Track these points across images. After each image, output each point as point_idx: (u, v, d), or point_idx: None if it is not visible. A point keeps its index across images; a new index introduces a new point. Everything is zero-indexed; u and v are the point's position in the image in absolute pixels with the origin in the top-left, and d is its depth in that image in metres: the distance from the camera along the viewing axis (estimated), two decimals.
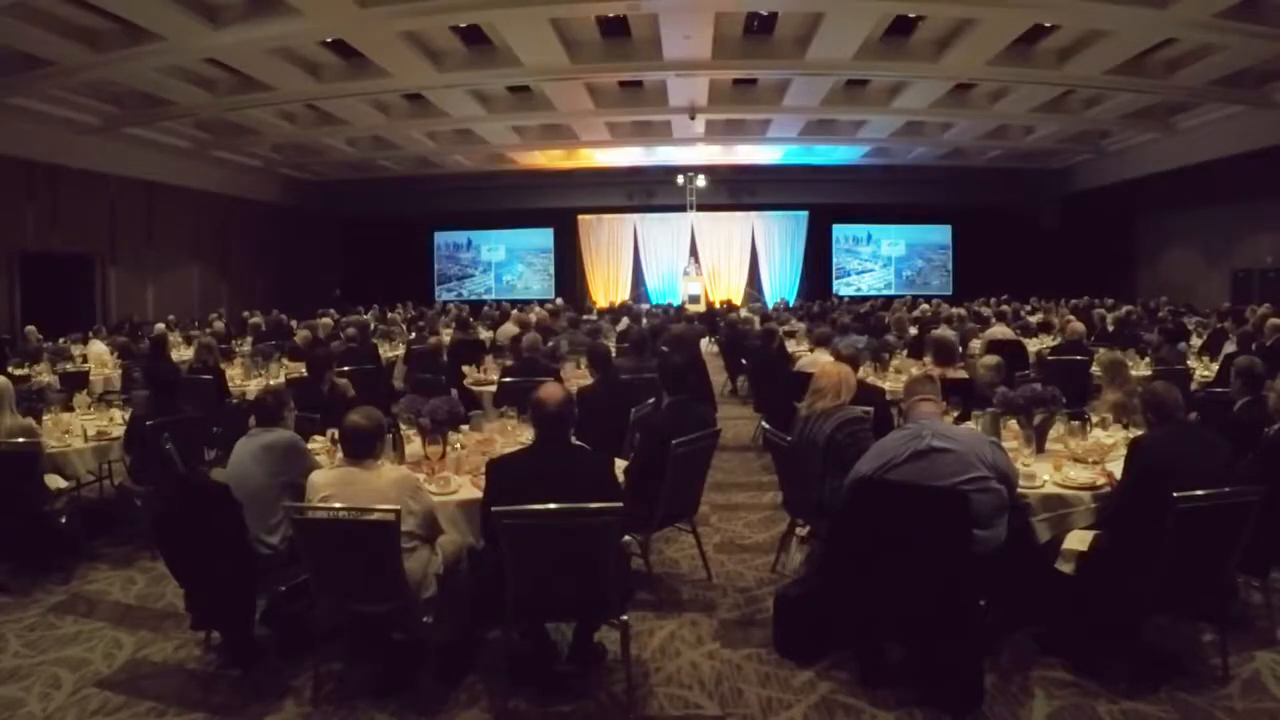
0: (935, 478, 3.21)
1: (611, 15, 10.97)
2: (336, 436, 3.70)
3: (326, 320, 12.93)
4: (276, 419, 3.84)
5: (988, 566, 3.21)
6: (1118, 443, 4.16)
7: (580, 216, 23.70)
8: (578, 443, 3.52)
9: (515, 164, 20.96)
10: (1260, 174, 14.99)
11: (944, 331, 8.74)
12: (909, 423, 3.51)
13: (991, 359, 5.46)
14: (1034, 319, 12.34)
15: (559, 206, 23.09)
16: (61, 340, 10.81)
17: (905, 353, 8.45)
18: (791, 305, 19.57)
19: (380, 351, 9.67)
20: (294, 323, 13.10)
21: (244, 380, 7.64)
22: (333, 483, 3.27)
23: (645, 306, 18.89)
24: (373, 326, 12.65)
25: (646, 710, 3.23)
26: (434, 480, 3.76)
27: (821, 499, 3.85)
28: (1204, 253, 18.12)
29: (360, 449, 3.31)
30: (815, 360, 6.96)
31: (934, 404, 3.60)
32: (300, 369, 7.29)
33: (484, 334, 11.78)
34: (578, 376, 6.62)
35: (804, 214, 23.45)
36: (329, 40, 11.50)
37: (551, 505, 2.97)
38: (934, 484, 3.20)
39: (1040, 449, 4.22)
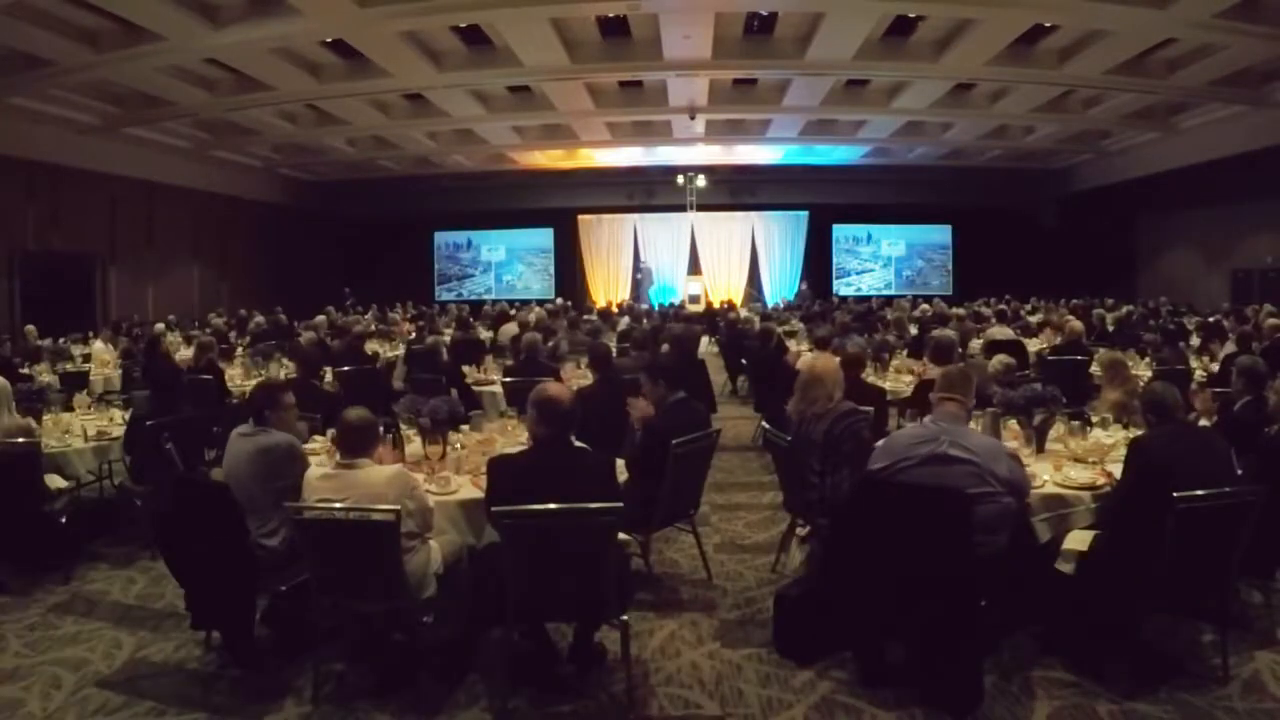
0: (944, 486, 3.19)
1: (611, 15, 10.96)
2: (336, 436, 3.69)
3: (323, 319, 12.91)
4: (263, 417, 3.75)
5: (989, 567, 3.20)
6: (1118, 443, 4.16)
7: (580, 216, 23.66)
8: (579, 444, 3.51)
9: (515, 164, 20.94)
10: (1260, 174, 14.96)
11: (943, 331, 8.73)
12: (929, 421, 3.46)
13: (1006, 358, 5.48)
14: (1034, 319, 12.33)
15: (559, 206, 23.07)
16: (61, 340, 10.80)
17: (905, 353, 8.46)
18: (792, 304, 19.56)
19: (380, 351, 9.66)
20: (295, 323, 13.08)
21: (244, 380, 7.63)
22: (328, 486, 3.26)
23: (644, 307, 18.91)
24: (372, 327, 12.63)
25: (646, 710, 3.23)
26: (434, 480, 3.76)
27: (823, 496, 3.85)
28: (1204, 253, 18.10)
29: (357, 443, 3.32)
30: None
31: (959, 405, 3.47)
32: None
33: (484, 334, 11.78)
34: (578, 376, 6.62)
35: (804, 214, 23.41)
36: (329, 40, 11.48)
37: (551, 505, 2.97)
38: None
39: (1040, 449, 4.22)
